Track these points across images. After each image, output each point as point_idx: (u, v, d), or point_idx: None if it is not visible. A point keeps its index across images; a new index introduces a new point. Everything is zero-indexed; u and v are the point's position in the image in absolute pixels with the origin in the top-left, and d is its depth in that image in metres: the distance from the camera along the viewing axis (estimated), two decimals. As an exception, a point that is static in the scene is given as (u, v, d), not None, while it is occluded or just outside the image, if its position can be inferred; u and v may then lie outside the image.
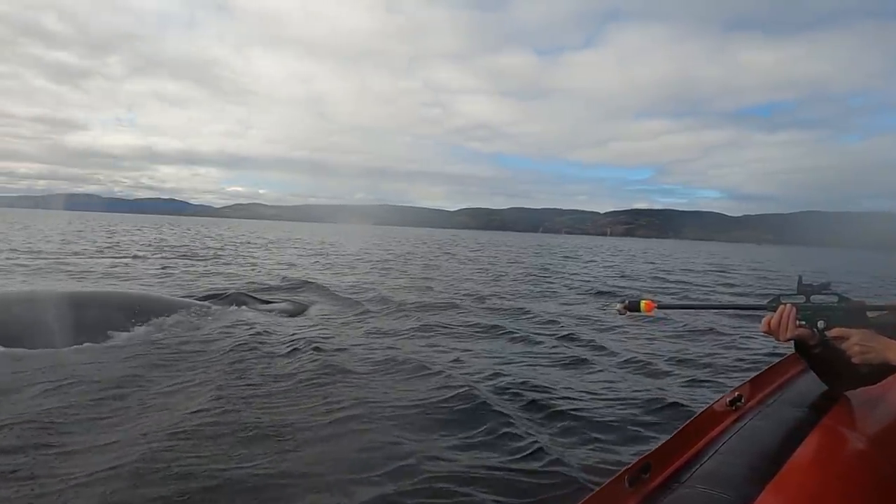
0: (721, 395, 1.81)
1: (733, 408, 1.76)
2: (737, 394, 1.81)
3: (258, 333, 6.50)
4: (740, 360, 6.37)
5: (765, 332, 1.78)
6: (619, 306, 1.87)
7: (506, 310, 9.77)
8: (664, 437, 1.47)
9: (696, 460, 1.43)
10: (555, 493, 2.96)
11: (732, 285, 18.36)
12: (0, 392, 4.28)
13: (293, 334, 6.62)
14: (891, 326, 1.70)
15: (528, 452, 3.41)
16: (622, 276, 20.14)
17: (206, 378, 4.82)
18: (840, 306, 1.74)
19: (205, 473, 2.98)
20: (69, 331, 5.93)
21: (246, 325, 7.09)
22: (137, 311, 6.90)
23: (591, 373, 5.55)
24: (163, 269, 14.92)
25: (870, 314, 1.73)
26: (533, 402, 4.43)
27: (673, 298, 13.63)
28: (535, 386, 4.88)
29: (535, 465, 3.26)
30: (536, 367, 5.72)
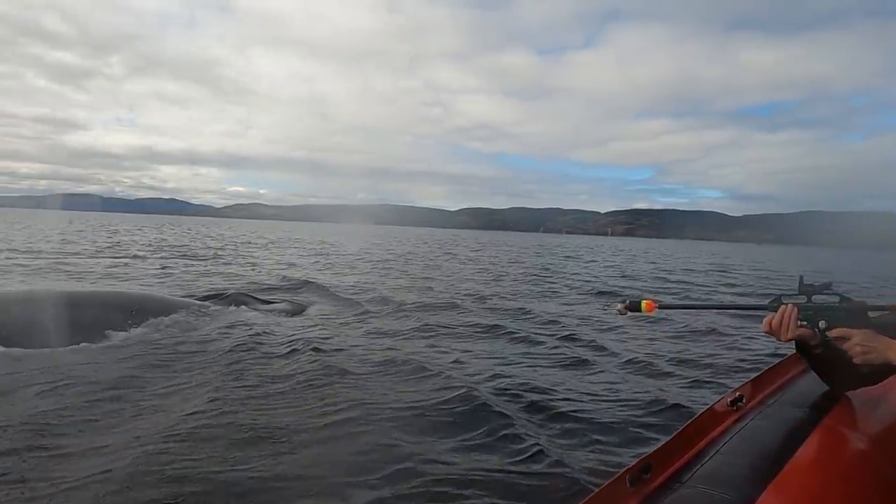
0: (722, 395, 1.81)
1: (734, 408, 1.76)
2: (738, 394, 1.81)
3: (257, 334, 6.48)
4: (741, 360, 6.35)
5: (766, 333, 1.78)
6: (619, 306, 1.86)
7: (506, 310, 9.75)
8: (665, 438, 1.47)
9: (697, 460, 1.43)
10: (556, 496, 2.94)
11: (734, 285, 18.34)
12: None
13: (292, 335, 6.60)
14: (892, 326, 1.70)
15: (528, 454, 3.38)
16: (623, 276, 20.13)
17: (203, 379, 4.79)
18: (841, 306, 1.74)
19: (198, 476, 2.95)
20: (66, 331, 5.90)
21: (245, 325, 7.07)
22: (136, 310, 6.87)
23: (592, 374, 5.54)
24: (162, 269, 14.91)
25: (871, 314, 1.73)
26: (534, 403, 4.40)
27: (674, 298, 13.62)
28: (536, 387, 4.86)
29: (535, 467, 3.24)
30: (537, 368, 5.70)
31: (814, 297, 1.76)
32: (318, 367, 5.08)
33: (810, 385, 1.99)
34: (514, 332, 7.42)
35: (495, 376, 5.16)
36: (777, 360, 2.23)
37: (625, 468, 1.28)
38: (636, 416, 4.24)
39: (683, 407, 4.35)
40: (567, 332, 7.64)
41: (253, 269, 15.99)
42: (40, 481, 2.90)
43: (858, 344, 1.66)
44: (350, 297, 10.50)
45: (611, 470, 3.12)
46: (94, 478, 2.92)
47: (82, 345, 5.82)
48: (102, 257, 17.79)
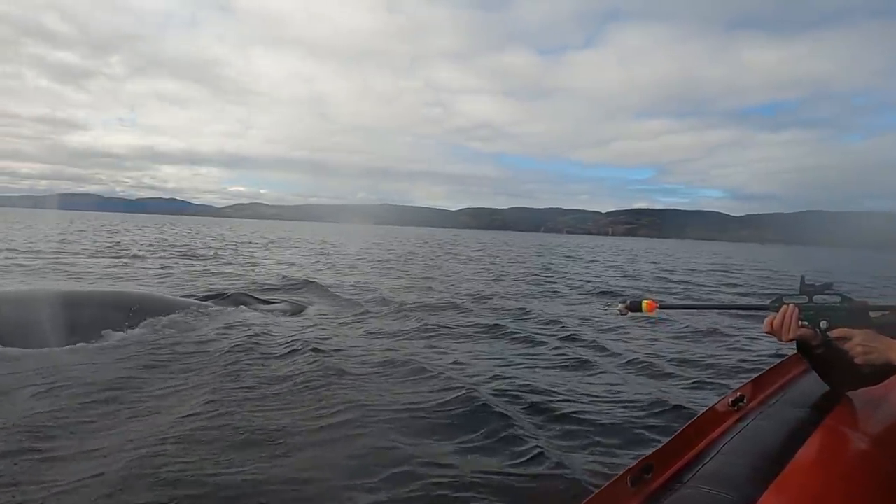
0: (723, 395, 1.81)
1: (735, 408, 1.76)
2: (739, 394, 1.81)
3: (256, 334, 6.45)
4: (743, 361, 6.33)
5: (767, 333, 1.78)
6: (620, 307, 1.86)
7: (507, 310, 9.75)
8: (666, 439, 1.47)
9: (699, 460, 1.43)
10: (557, 498, 2.92)
11: (735, 285, 18.33)
12: None
13: (291, 335, 6.57)
14: (893, 327, 1.70)
15: (529, 456, 3.35)
16: (624, 276, 20.13)
17: (200, 380, 4.75)
18: (842, 307, 1.74)
19: (191, 480, 2.92)
20: (64, 331, 5.86)
21: (244, 325, 7.05)
22: (134, 310, 6.82)
23: (593, 374, 5.52)
24: (162, 268, 14.93)
25: (872, 314, 1.73)
26: (534, 404, 4.38)
27: (676, 298, 13.62)
28: (537, 388, 4.84)
29: (535, 469, 3.22)
30: (538, 369, 5.68)
31: (815, 297, 1.76)
32: (316, 368, 5.04)
33: (811, 385, 1.99)
34: (515, 333, 7.41)
35: (496, 377, 5.14)
36: (778, 361, 2.23)
37: (626, 468, 1.28)
38: (637, 417, 4.22)
39: (685, 408, 4.33)
40: (568, 333, 7.63)
41: (253, 269, 15.99)
42: (31, 484, 2.87)
43: (860, 344, 1.66)
44: (350, 297, 10.49)
45: (612, 472, 3.10)
46: (87, 481, 2.89)
47: (79, 345, 5.78)
48: (102, 257, 17.81)
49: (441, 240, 62.56)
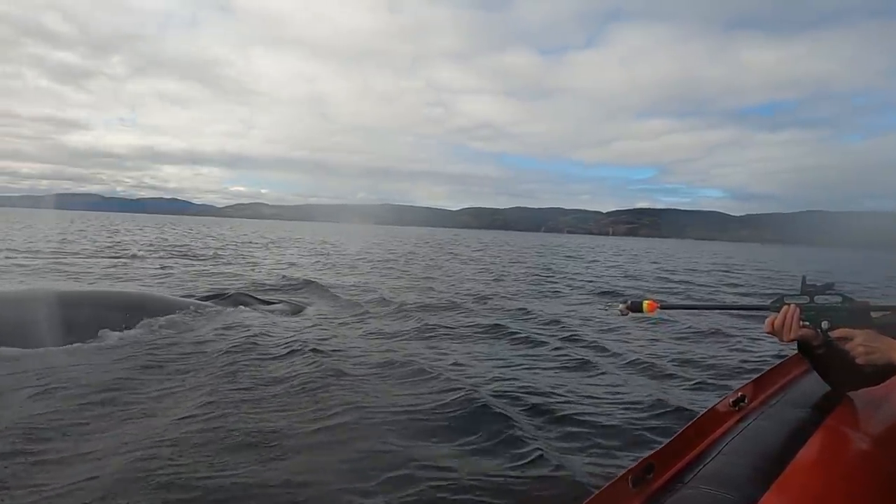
0: (724, 396, 1.81)
1: (736, 408, 1.76)
2: (740, 394, 1.81)
3: (255, 335, 6.42)
4: (744, 361, 6.31)
5: (768, 333, 1.77)
6: (621, 307, 1.86)
7: (508, 310, 9.75)
8: (668, 440, 1.47)
9: (700, 461, 1.43)
10: (558, 501, 2.90)
11: (736, 285, 18.32)
12: None
13: (290, 336, 6.54)
14: (895, 327, 1.70)
15: (529, 459, 3.32)
16: (625, 276, 20.12)
17: (196, 382, 4.71)
18: (844, 307, 1.74)
19: (185, 484, 2.88)
20: (61, 331, 5.82)
21: (243, 325, 7.03)
22: (133, 310, 6.78)
23: (594, 375, 5.49)
24: (162, 268, 14.94)
25: (874, 314, 1.72)
26: (535, 406, 4.35)
27: (677, 298, 13.61)
28: (538, 389, 4.82)
29: (536, 471, 3.18)
30: (539, 370, 5.66)
31: (816, 297, 1.76)
32: (314, 370, 5.00)
33: (812, 385, 1.99)
34: (516, 333, 7.39)
35: (496, 378, 5.12)
36: (780, 361, 2.23)
37: (627, 468, 1.28)
38: (639, 418, 4.20)
39: (686, 410, 4.29)
40: (569, 333, 7.62)
41: (253, 269, 16.00)
42: (20, 488, 2.83)
43: (861, 344, 1.66)
44: (350, 297, 10.49)
45: (614, 474, 3.06)
46: (79, 484, 2.86)
47: (76, 345, 5.74)
48: (103, 257, 17.83)
49: (442, 240, 62.55)
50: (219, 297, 9.24)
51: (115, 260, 17.03)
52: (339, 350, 5.91)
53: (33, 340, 5.63)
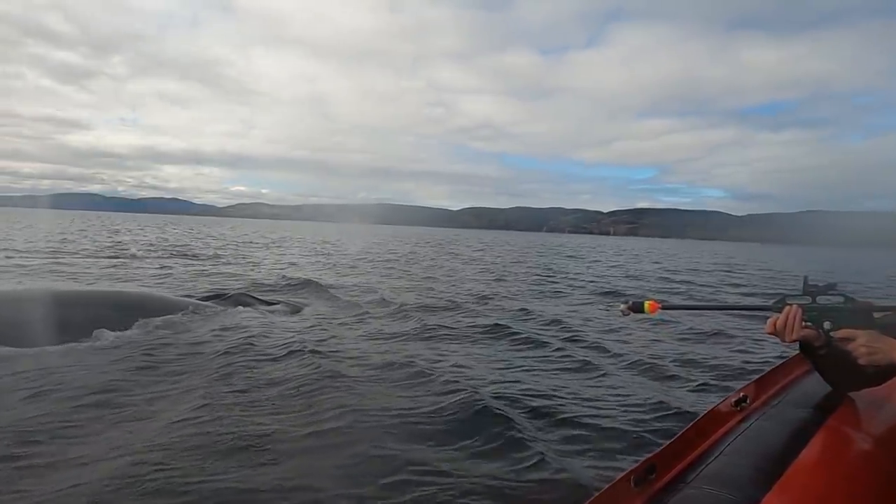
0: (726, 396, 1.80)
1: (738, 408, 1.76)
2: (742, 394, 1.81)
3: (253, 335, 6.37)
4: (747, 362, 6.27)
5: (770, 333, 1.77)
6: (622, 307, 1.86)
7: (509, 311, 9.73)
8: (670, 440, 1.47)
9: (702, 461, 1.43)
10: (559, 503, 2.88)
11: (738, 285, 18.30)
12: None
13: (289, 337, 6.49)
14: (897, 327, 1.69)
15: (530, 462, 3.28)
16: (627, 277, 20.09)
17: (191, 384, 4.65)
18: (846, 307, 1.73)
19: (174, 490, 2.82)
20: (54, 331, 5.75)
21: (241, 326, 6.99)
22: (131, 310, 6.73)
23: (595, 377, 5.46)
24: (162, 268, 14.94)
25: (876, 315, 1.72)
26: (536, 407, 4.30)
27: (680, 299, 13.61)
28: (539, 391, 4.79)
29: (537, 474, 3.14)
30: (540, 371, 5.63)
31: (818, 297, 1.75)
32: (312, 371, 4.95)
33: (814, 385, 1.99)
34: (517, 334, 7.36)
35: (497, 380, 5.09)
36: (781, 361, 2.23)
37: (629, 469, 1.29)
38: (641, 420, 4.16)
39: (689, 412, 4.24)
40: (570, 334, 7.60)
41: (253, 269, 16.01)
42: (5, 493, 2.79)
43: (864, 345, 1.66)
44: (350, 297, 10.48)
45: (615, 476, 3.01)
46: (65, 491, 2.81)
47: (71, 345, 5.68)
48: (103, 257, 17.84)
49: (442, 240, 62.53)
50: (218, 297, 9.19)
51: (115, 260, 17.04)
52: (337, 351, 5.86)
53: (27, 340, 5.57)
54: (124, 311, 6.70)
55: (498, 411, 4.06)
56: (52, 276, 12.16)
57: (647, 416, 4.25)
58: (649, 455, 1.35)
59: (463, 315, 9.03)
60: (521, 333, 7.39)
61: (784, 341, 1.76)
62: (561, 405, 4.42)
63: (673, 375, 5.59)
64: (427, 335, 7.19)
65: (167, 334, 6.36)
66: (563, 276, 18.87)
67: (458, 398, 4.30)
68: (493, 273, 18.59)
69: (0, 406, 3.98)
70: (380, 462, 3.20)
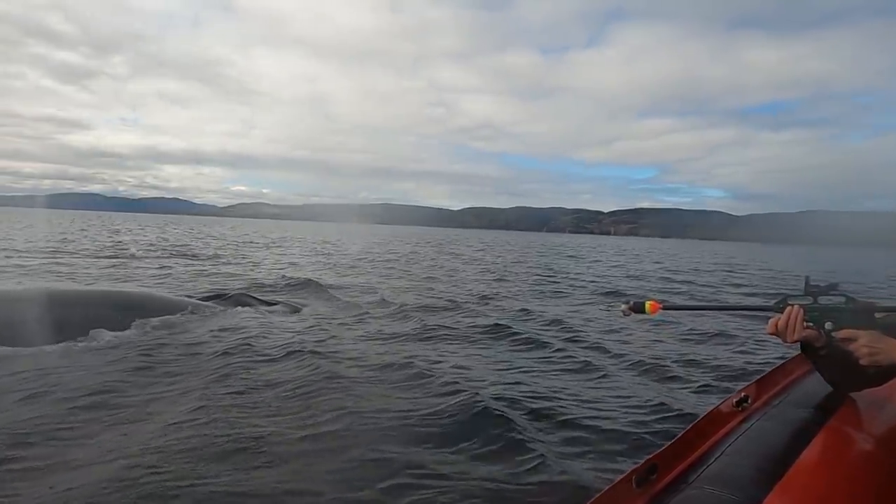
0: (727, 396, 1.80)
1: (740, 408, 1.76)
2: (743, 394, 1.81)
3: (252, 336, 6.34)
4: (748, 363, 6.25)
5: (771, 334, 1.77)
6: (623, 307, 1.85)
7: (510, 311, 9.72)
8: (671, 440, 1.47)
9: (703, 461, 1.43)
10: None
11: (740, 285, 18.28)
12: None
13: (288, 337, 6.46)
14: (899, 327, 1.69)
15: (532, 465, 3.25)
16: (628, 277, 20.08)
17: (188, 385, 4.61)
18: (848, 307, 1.73)
19: (168, 493, 2.79)
20: (51, 330, 5.71)
21: (240, 326, 6.96)
22: (128, 310, 6.68)
23: (597, 378, 5.43)
24: (162, 268, 14.94)
25: (878, 315, 1.72)
26: (537, 409, 4.27)
27: (681, 299, 13.61)
28: (540, 392, 4.77)
29: (537, 477, 3.11)
30: (541, 372, 5.60)
31: (820, 298, 1.75)
32: (310, 373, 4.91)
33: (815, 386, 1.99)
34: (518, 334, 7.34)
35: (497, 381, 5.06)
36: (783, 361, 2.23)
37: (631, 469, 1.28)
38: (642, 422, 4.14)
39: (691, 413, 4.21)
40: (571, 334, 7.59)
41: (253, 269, 16.01)
42: None
43: (865, 345, 1.65)
44: (351, 298, 10.47)
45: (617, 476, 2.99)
46: (58, 494, 2.78)
47: (68, 346, 5.64)
48: (103, 256, 17.85)
49: (443, 240, 62.51)
50: (218, 297, 9.15)
51: (115, 260, 17.04)
52: (336, 352, 5.81)
53: (24, 340, 5.53)
54: (123, 310, 6.65)
55: (498, 413, 4.02)
56: (51, 276, 12.16)
57: (648, 418, 4.22)
58: (651, 455, 1.35)
59: (463, 315, 9.01)
60: (522, 334, 7.37)
61: (785, 342, 1.76)
62: (562, 406, 4.40)
63: (674, 376, 5.57)
64: (427, 335, 7.17)
65: (165, 334, 6.31)
66: (564, 276, 18.86)
67: (457, 399, 4.26)
68: (493, 273, 18.58)
69: None
70: (378, 465, 3.16)
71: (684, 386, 5.29)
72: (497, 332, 7.53)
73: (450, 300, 10.72)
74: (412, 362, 5.41)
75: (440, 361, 5.75)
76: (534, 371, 5.64)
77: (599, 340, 7.23)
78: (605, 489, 1.21)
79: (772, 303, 1.80)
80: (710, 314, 9.08)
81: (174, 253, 21.16)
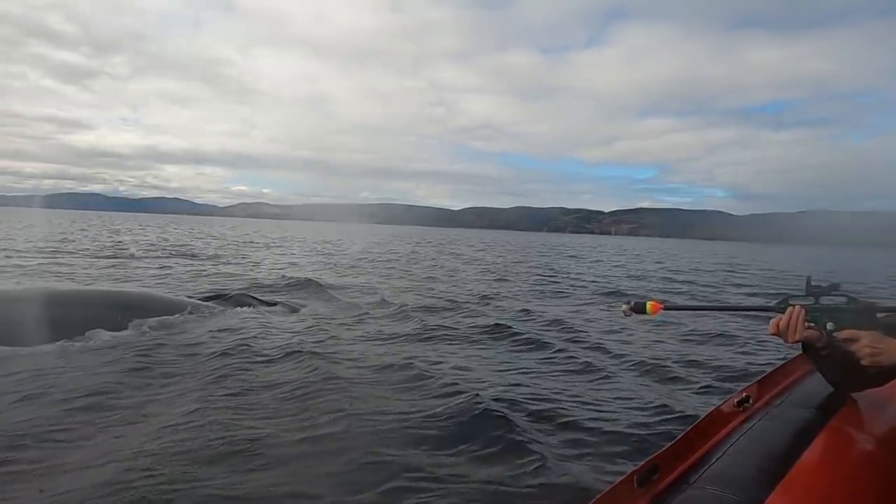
0: (729, 396, 1.80)
1: (741, 409, 1.76)
2: (744, 394, 1.81)
3: (251, 336, 6.32)
4: (750, 364, 6.23)
5: (773, 334, 1.77)
6: (624, 307, 1.85)
7: (510, 311, 9.70)
8: (673, 440, 1.47)
9: (705, 461, 1.43)
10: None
11: (741, 285, 18.26)
12: None
13: (288, 338, 6.44)
14: (900, 327, 1.69)
15: (532, 467, 3.22)
16: (630, 277, 20.07)
17: (184, 387, 4.57)
18: (849, 308, 1.73)
19: (161, 498, 2.75)
20: (48, 330, 5.69)
21: (239, 327, 6.94)
22: (126, 310, 6.64)
23: (598, 378, 5.41)
24: (162, 268, 14.95)
25: (879, 315, 1.72)
26: (538, 410, 4.25)
27: (682, 299, 13.61)
28: (540, 393, 4.75)
29: (538, 479, 3.09)
30: (542, 373, 5.59)
31: (821, 298, 1.75)
32: (309, 374, 4.88)
33: (817, 386, 1.99)
34: (518, 335, 7.32)
35: (497, 382, 5.05)
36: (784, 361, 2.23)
37: (632, 469, 1.28)
38: (644, 423, 4.12)
39: (692, 415, 4.18)
40: (572, 335, 7.58)
41: (253, 269, 16.02)
42: None
43: (867, 346, 1.65)
44: (351, 298, 10.47)
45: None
46: (51, 498, 2.76)
47: (65, 346, 5.62)
48: (103, 256, 17.85)
49: (444, 239, 62.48)
50: (218, 297, 9.13)
51: (114, 260, 17.04)
52: (336, 353, 5.78)
53: (21, 340, 5.51)
54: (121, 310, 6.61)
55: (498, 414, 3.99)
56: (50, 276, 12.16)
57: (649, 419, 4.20)
58: (652, 455, 1.35)
59: (464, 315, 9.01)
60: (523, 334, 7.35)
61: (787, 342, 1.76)
62: (563, 408, 4.38)
63: (675, 377, 5.55)
64: (427, 336, 7.15)
65: (163, 335, 6.27)
66: (565, 276, 18.86)
67: (457, 401, 4.23)
68: (494, 273, 18.58)
69: None
70: (376, 467, 3.13)
71: (686, 387, 5.27)
72: (497, 332, 7.51)
73: (450, 300, 10.72)
74: (412, 363, 5.39)
75: (440, 362, 5.73)
76: (534, 372, 5.62)
77: (600, 341, 7.22)
78: (607, 489, 1.21)
79: (773, 303, 1.80)
80: (711, 314, 9.06)
81: (174, 253, 21.17)
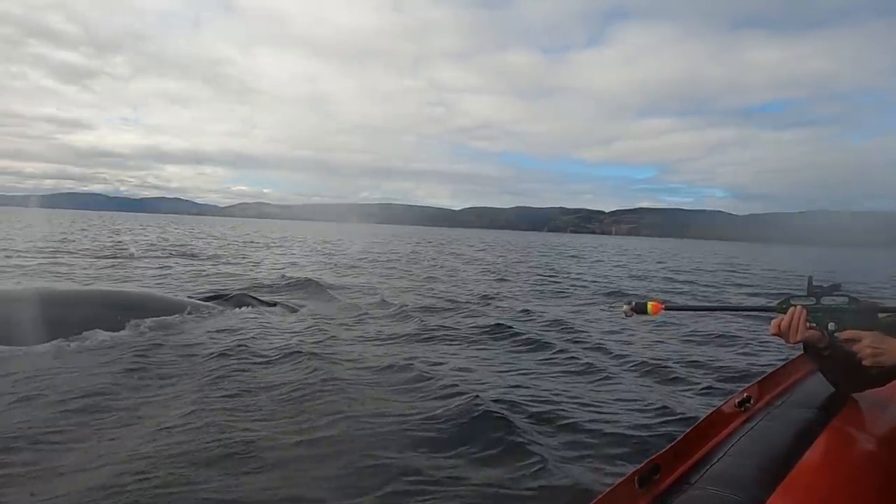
0: (730, 396, 1.80)
1: (742, 409, 1.76)
2: (745, 395, 1.81)
3: (250, 337, 6.30)
4: (752, 364, 6.20)
5: (774, 335, 1.77)
6: (625, 308, 1.85)
7: (511, 312, 9.68)
8: (674, 440, 1.47)
9: (706, 461, 1.43)
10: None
11: (742, 285, 18.24)
12: None
13: (286, 338, 6.41)
14: (901, 328, 1.69)
15: (533, 469, 3.20)
16: (631, 277, 20.05)
17: (181, 388, 4.53)
18: (850, 308, 1.73)
19: (158, 500, 2.72)
20: (45, 330, 5.65)
21: (239, 327, 6.92)
22: (125, 310, 6.61)
23: (599, 379, 5.39)
24: (162, 268, 14.94)
25: (881, 316, 1.72)
26: (539, 411, 4.23)
27: (684, 299, 13.60)
28: (541, 394, 4.73)
29: (538, 481, 3.07)
30: (542, 374, 5.56)
31: (823, 298, 1.75)
32: (307, 375, 4.85)
33: (818, 386, 1.99)
34: (519, 335, 7.30)
35: (498, 383, 5.03)
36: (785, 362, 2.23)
37: (634, 469, 1.28)
38: (645, 424, 4.09)
39: (693, 416, 4.13)
40: (573, 335, 7.56)
41: (254, 269, 16.01)
42: None
43: (868, 346, 1.65)
44: (351, 298, 10.45)
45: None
46: (44, 502, 2.72)
47: (62, 347, 5.58)
48: (102, 256, 17.83)
49: (444, 239, 62.46)
50: (218, 297, 9.09)
51: (114, 260, 17.02)
52: (335, 353, 5.76)
53: (18, 339, 5.48)
54: (120, 311, 6.57)
55: (499, 416, 3.96)
56: (50, 276, 12.15)
57: (650, 421, 4.17)
58: (653, 456, 1.35)
59: (464, 316, 9.00)
60: (523, 334, 7.32)
61: (788, 342, 1.75)
62: (563, 409, 4.36)
63: (676, 378, 5.53)
64: (427, 336, 7.12)
65: (161, 335, 6.23)
66: (566, 276, 18.84)
67: (457, 402, 4.20)
68: (494, 273, 18.56)
69: None
70: (375, 470, 3.10)
71: (687, 388, 5.25)
72: (498, 332, 7.48)
73: (450, 300, 10.70)
74: (412, 364, 5.36)
75: (440, 363, 5.71)
76: (535, 373, 5.61)
77: (601, 341, 7.20)
78: (608, 489, 1.21)
79: (775, 303, 1.80)
80: (712, 315, 9.04)
81: (174, 253, 21.15)
